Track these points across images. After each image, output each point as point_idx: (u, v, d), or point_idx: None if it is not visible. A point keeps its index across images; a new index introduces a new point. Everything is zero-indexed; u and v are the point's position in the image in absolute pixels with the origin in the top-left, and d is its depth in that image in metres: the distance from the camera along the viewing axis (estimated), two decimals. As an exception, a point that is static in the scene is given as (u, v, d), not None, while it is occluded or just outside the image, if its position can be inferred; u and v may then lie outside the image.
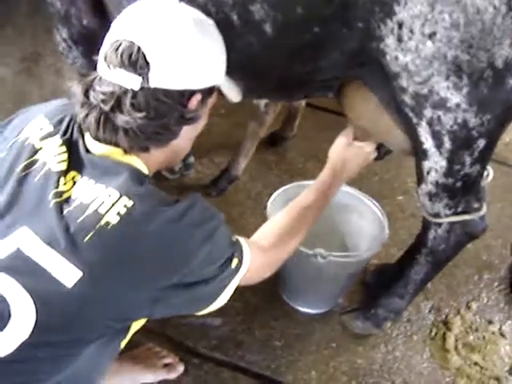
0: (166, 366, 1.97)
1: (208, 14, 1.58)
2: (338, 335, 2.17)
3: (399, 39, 1.50)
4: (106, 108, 1.24)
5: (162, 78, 1.23)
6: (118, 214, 1.20)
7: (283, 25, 1.59)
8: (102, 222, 1.19)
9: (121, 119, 1.24)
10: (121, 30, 1.27)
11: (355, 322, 2.16)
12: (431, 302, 2.32)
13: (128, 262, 1.21)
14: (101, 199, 1.21)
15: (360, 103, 1.80)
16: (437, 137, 1.64)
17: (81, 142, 1.31)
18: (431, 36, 1.47)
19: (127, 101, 1.22)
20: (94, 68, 2.15)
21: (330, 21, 1.56)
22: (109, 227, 1.19)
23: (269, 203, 2.09)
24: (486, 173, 1.88)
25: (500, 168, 2.89)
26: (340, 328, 2.19)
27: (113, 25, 1.31)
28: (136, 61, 1.21)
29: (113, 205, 1.20)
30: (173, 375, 1.95)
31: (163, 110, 1.26)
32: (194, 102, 1.31)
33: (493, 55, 1.46)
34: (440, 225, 1.86)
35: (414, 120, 1.65)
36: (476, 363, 2.12)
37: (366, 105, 1.78)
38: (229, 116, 2.96)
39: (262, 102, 2.43)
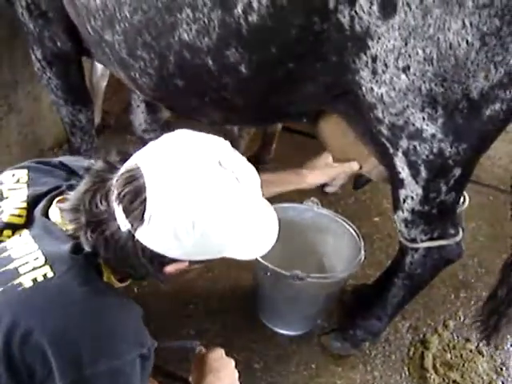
0: None
1: (184, 59, 1.63)
2: (317, 356, 2.18)
3: (374, 72, 1.51)
4: (92, 218, 1.15)
5: (148, 238, 1.13)
6: (34, 280, 1.14)
7: (258, 65, 1.59)
8: (16, 282, 1.14)
9: (94, 237, 1.15)
10: (147, 160, 1.14)
11: (334, 342, 2.17)
12: (409, 321, 2.34)
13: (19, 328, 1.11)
14: (26, 259, 1.16)
15: (337, 137, 1.81)
16: (413, 166, 1.65)
17: (43, 206, 1.26)
18: (405, 69, 1.47)
19: (109, 231, 1.14)
20: (68, 91, 2.15)
21: (303, 57, 1.56)
22: (19, 289, 1.13)
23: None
24: (462, 199, 1.92)
25: (473, 187, 2.92)
26: (319, 349, 2.20)
27: (150, 144, 1.19)
28: (133, 210, 1.10)
29: (34, 269, 1.15)
30: None
31: (133, 261, 1.17)
32: (173, 268, 1.20)
33: (468, 87, 1.47)
34: (417, 250, 1.87)
35: (391, 150, 1.66)
36: (454, 381, 2.16)
37: (344, 139, 1.79)
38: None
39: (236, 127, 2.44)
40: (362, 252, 2.09)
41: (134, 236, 1.12)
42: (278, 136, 2.84)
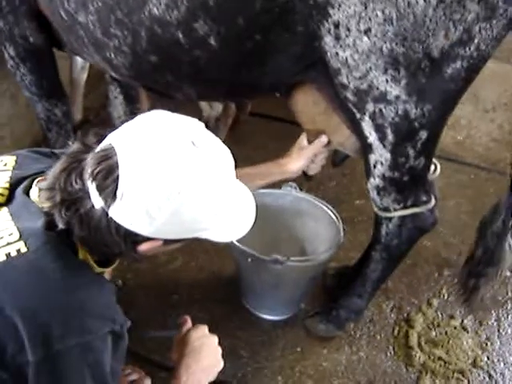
0: (132, 382, 1.94)
1: (155, 34, 1.65)
2: (302, 339, 2.18)
3: (337, 37, 1.54)
4: (67, 196, 1.16)
5: (121, 216, 1.14)
6: (8, 254, 1.15)
7: (226, 37, 1.62)
8: None
9: (68, 215, 1.17)
10: (121, 139, 1.16)
11: (318, 325, 2.17)
12: (392, 301, 2.34)
13: None
14: (1, 234, 1.18)
15: (309, 107, 1.84)
16: (380, 130, 1.68)
17: (25, 185, 1.28)
18: (366, 32, 1.51)
19: (83, 209, 1.15)
20: (42, 86, 2.16)
21: (270, 28, 1.59)
22: None
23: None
24: (433, 167, 1.94)
25: (454, 166, 2.98)
26: (304, 332, 2.19)
27: (124, 125, 1.21)
28: (106, 187, 1.12)
29: (8, 244, 1.16)
30: None
31: (107, 239, 1.18)
32: (146, 246, 1.21)
33: (428, 46, 1.51)
34: (390, 219, 1.89)
35: (358, 115, 1.69)
36: (440, 358, 2.15)
37: (316, 108, 1.82)
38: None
39: (213, 118, 2.46)
40: (341, 234, 2.10)
41: (107, 214, 1.13)
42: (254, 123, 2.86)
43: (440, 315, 2.30)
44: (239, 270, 2.18)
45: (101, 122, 3.02)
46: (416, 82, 1.57)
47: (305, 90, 1.79)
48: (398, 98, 1.60)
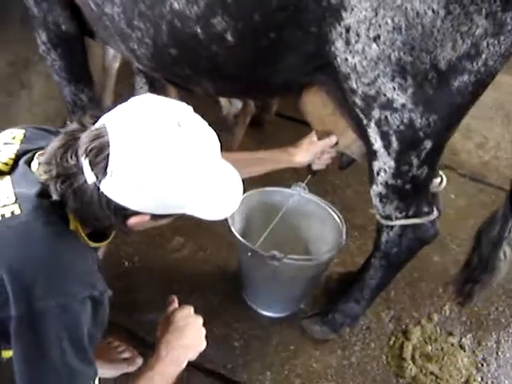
0: (125, 360, 2.00)
1: (175, 28, 1.72)
2: (296, 339, 2.20)
3: (347, 42, 1.58)
4: (62, 171, 1.24)
5: (111, 190, 1.22)
6: (2, 215, 1.24)
7: (243, 33, 1.68)
8: None
9: (63, 188, 1.24)
10: (113, 120, 1.24)
11: (314, 326, 2.19)
12: (392, 311, 2.34)
13: None
14: (0, 197, 1.27)
15: (318, 109, 1.87)
16: (385, 137, 1.70)
17: (28, 157, 1.36)
18: (375, 39, 1.54)
19: (76, 183, 1.23)
20: (71, 71, 2.25)
21: (285, 26, 1.64)
22: None
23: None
24: (439, 179, 1.94)
25: (477, 185, 2.95)
26: (299, 332, 2.22)
27: (118, 107, 1.28)
28: (98, 164, 1.20)
29: (4, 206, 1.25)
30: (132, 368, 1.98)
31: (98, 213, 1.26)
32: (135, 220, 1.28)
33: (435, 57, 1.53)
34: (392, 228, 1.91)
35: (364, 121, 1.71)
36: (432, 373, 2.14)
37: (324, 110, 1.86)
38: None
39: (231, 115, 2.50)
40: (344, 237, 2.12)
41: (99, 189, 1.22)
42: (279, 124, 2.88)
43: (439, 330, 2.29)
44: (240, 264, 2.22)
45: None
46: (423, 92, 1.59)
47: (314, 92, 1.83)
48: (404, 106, 1.62)
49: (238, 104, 2.58)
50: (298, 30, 1.64)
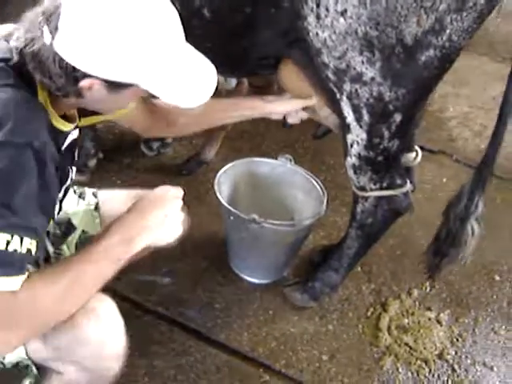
0: None
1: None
2: (277, 305, 2.29)
3: (318, 17, 1.66)
4: (29, 35, 1.30)
5: (62, 48, 1.26)
6: None
7: (218, 8, 1.78)
8: None
9: (24, 50, 1.30)
10: None
11: (294, 294, 2.28)
12: (373, 284, 2.41)
13: None
14: None
15: (295, 82, 1.95)
16: (356, 110, 1.78)
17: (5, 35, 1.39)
18: (343, 13, 1.61)
19: (37, 45, 1.28)
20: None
21: (259, 1, 1.73)
22: None
23: (218, 175, 2.24)
24: (414, 154, 2.00)
25: (470, 171, 2.95)
26: (281, 299, 2.31)
27: None
28: (51, 21, 1.26)
29: None
30: None
31: (52, 70, 1.28)
32: (86, 83, 1.29)
33: (401, 32, 1.60)
34: (367, 199, 1.98)
35: (337, 95, 1.79)
36: (406, 344, 2.20)
37: (301, 83, 1.92)
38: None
39: (224, 90, 2.59)
40: (324, 207, 2.20)
41: (54, 49, 1.25)
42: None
43: (417, 305, 2.35)
44: (225, 230, 2.33)
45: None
46: (390, 65, 1.66)
47: (291, 67, 1.90)
48: (373, 79, 1.70)
49: (232, 82, 2.67)
50: (271, 6, 1.73)
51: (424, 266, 2.09)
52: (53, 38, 1.26)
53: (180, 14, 1.78)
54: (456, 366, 2.16)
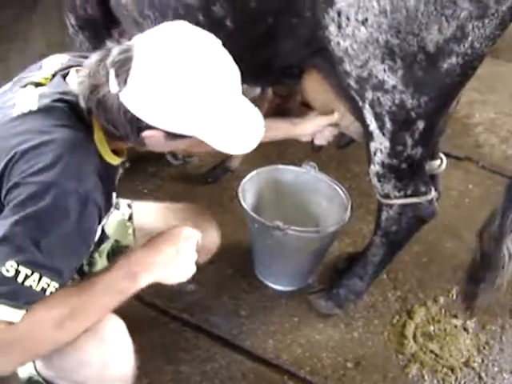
0: None
1: (180, 15, 1.86)
2: (302, 312, 2.30)
3: (339, 26, 1.67)
4: (94, 81, 1.36)
5: (129, 101, 1.33)
6: (22, 112, 1.36)
7: (241, 19, 1.81)
8: (11, 111, 1.36)
9: (90, 97, 1.36)
10: (142, 39, 1.37)
11: (319, 301, 2.28)
12: (399, 291, 2.40)
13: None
14: (25, 99, 1.39)
15: (319, 93, 1.97)
16: (379, 118, 1.78)
17: (66, 72, 1.49)
18: (364, 22, 1.62)
19: (102, 92, 1.34)
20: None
21: (280, 12, 1.75)
22: (6, 118, 1.36)
23: (242, 183, 2.27)
24: (438, 161, 2.00)
25: (495, 177, 2.97)
26: (305, 306, 2.31)
27: (150, 29, 1.42)
28: (121, 74, 1.32)
29: (25, 104, 1.37)
30: None
31: (116, 120, 1.36)
32: (148, 134, 1.38)
33: (422, 40, 1.60)
34: (391, 206, 1.98)
35: (360, 103, 1.80)
36: (432, 351, 2.19)
37: (325, 94, 1.95)
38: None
39: (248, 97, 2.61)
40: (348, 214, 2.21)
41: (119, 98, 1.33)
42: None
43: (443, 312, 2.33)
44: (250, 237, 2.34)
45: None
46: (412, 73, 1.66)
47: (314, 77, 1.92)
48: (394, 87, 1.70)
49: (256, 90, 2.70)
50: (292, 16, 1.75)
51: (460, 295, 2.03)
52: (120, 90, 1.32)
53: (203, 26, 1.84)
54: (483, 374, 2.14)
